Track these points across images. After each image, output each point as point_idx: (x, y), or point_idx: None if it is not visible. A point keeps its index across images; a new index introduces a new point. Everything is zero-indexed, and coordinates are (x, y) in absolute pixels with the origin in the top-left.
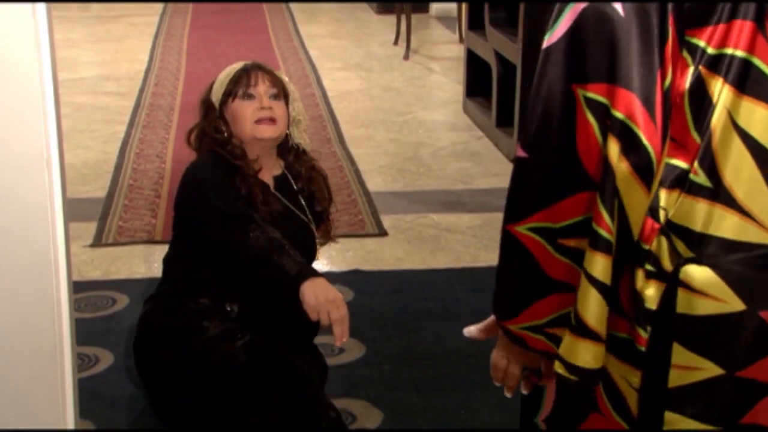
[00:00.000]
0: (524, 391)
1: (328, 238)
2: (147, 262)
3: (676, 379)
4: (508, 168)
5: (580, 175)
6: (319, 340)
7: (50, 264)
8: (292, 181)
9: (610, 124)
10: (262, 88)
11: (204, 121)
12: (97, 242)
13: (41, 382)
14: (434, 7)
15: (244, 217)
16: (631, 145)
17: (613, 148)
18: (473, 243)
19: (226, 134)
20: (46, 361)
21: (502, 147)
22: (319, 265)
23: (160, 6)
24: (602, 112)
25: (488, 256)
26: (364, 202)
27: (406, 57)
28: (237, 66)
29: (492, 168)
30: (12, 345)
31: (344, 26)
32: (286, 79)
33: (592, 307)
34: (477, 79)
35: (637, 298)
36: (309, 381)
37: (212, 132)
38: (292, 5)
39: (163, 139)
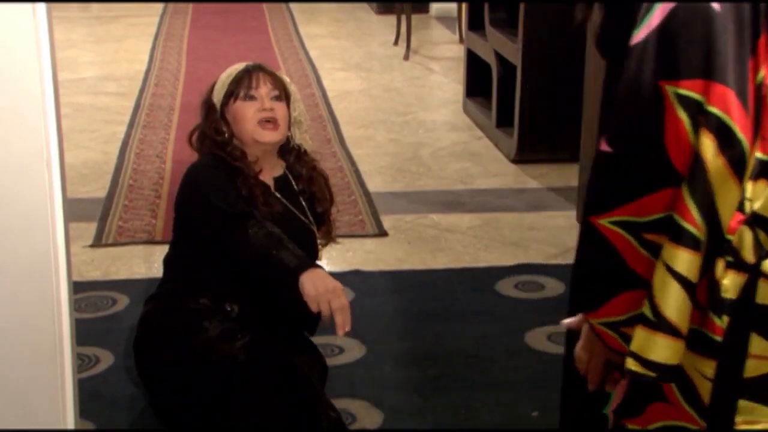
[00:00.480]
0: (608, 389)
1: (330, 239)
2: (147, 262)
3: (752, 369)
4: (508, 168)
5: (667, 171)
6: (318, 340)
7: (50, 264)
8: (293, 182)
9: (705, 120)
10: (264, 89)
11: (205, 122)
12: (97, 242)
13: (41, 383)
14: (434, 8)
15: (244, 215)
16: (727, 141)
17: (708, 144)
18: (473, 243)
19: (226, 135)
20: (46, 362)
21: (502, 147)
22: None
23: (160, 6)
24: (695, 108)
25: (488, 257)
26: (364, 203)
27: (406, 57)
28: (239, 67)
29: (492, 168)
30: (12, 345)
31: (344, 26)
32: (287, 80)
33: (675, 303)
34: (477, 80)
35: (715, 287)
36: (309, 381)
37: (213, 133)
38: (292, 5)
39: (163, 140)
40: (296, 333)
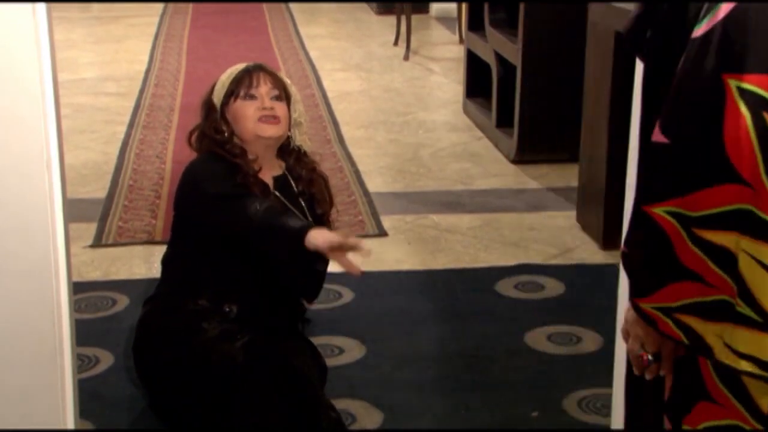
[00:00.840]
0: (647, 376)
1: None
2: (147, 262)
3: None
4: (508, 169)
5: (724, 166)
6: (318, 340)
7: (50, 265)
8: (293, 183)
9: None
10: (264, 89)
11: (204, 122)
12: (97, 243)
13: (41, 383)
14: (434, 8)
15: (240, 195)
16: None
17: None
18: (473, 244)
19: (226, 134)
20: (46, 362)
21: (502, 148)
22: None
23: (160, 6)
24: (758, 104)
25: (488, 257)
26: (364, 203)
27: (406, 58)
28: (239, 67)
29: (492, 169)
30: (12, 346)
31: (344, 27)
32: (287, 81)
33: None
34: (477, 80)
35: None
36: (309, 381)
37: (212, 132)
38: (292, 6)
39: (163, 140)
40: (296, 334)
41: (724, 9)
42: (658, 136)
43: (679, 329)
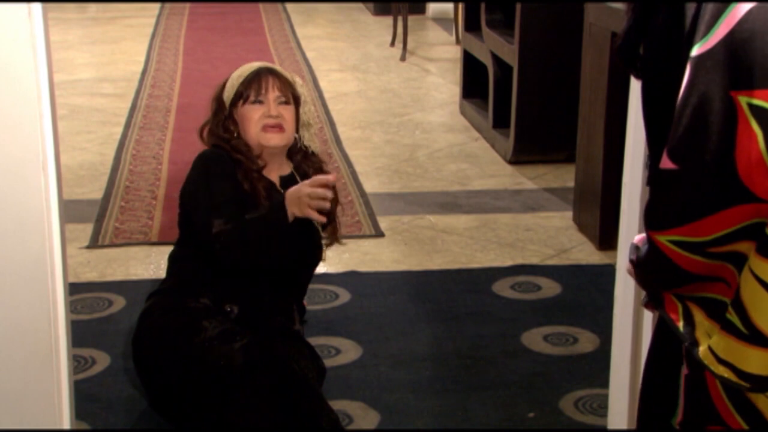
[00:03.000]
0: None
1: (335, 239)
2: (143, 263)
3: None
4: (505, 169)
5: (736, 187)
6: (315, 341)
7: (46, 266)
8: (300, 182)
9: None
10: (272, 94)
11: (213, 119)
12: (94, 244)
13: (37, 384)
14: (431, 9)
15: (214, 210)
16: None
17: None
18: (470, 244)
19: (235, 134)
20: (42, 363)
21: (498, 148)
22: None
23: (156, 7)
24: None
25: (485, 258)
26: (360, 204)
27: (403, 58)
28: (250, 67)
29: (489, 169)
30: (8, 347)
31: (341, 28)
32: (299, 82)
33: None
34: (473, 81)
35: None
36: (308, 382)
37: (220, 131)
38: (289, 7)
39: (160, 141)
40: (295, 336)
41: (725, 26)
42: (666, 163)
43: (683, 316)
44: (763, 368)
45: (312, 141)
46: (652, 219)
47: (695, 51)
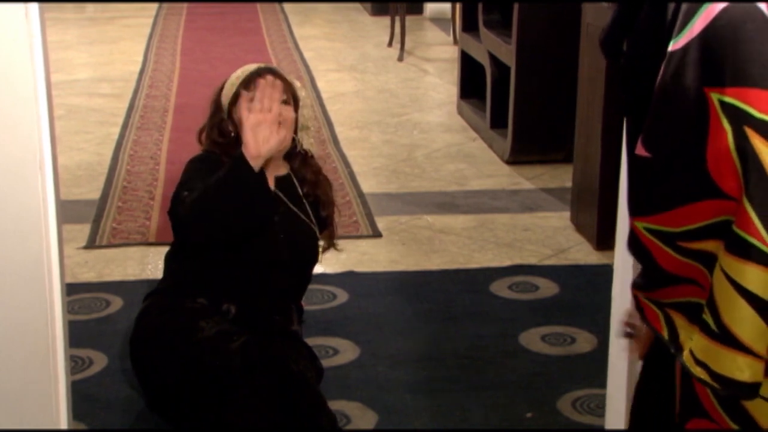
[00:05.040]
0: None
1: (331, 243)
2: (141, 264)
3: None
4: (503, 169)
5: (705, 182)
6: (313, 341)
7: (44, 266)
8: (298, 185)
9: (757, 128)
10: None
11: (209, 121)
12: (91, 244)
13: (35, 385)
14: (428, 9)
15: (189, 190)
16: None
17: (765, 151)
18: (467, 244)
19: (233, 134)
20: (39, 364)
21: (496, 148)
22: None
23: (154, 7)
24: (739, 118)
25: (482, 258)
26: (358, 204)
27: (401, 59)
28: (249, 68)
29: (486, 170)
30: (5, 347)
31: (338, 28)
32: (297, 84)
33: (747, 324)
34: (471, 81)
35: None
36: (306, 381)
37: (215, 135)
38: (287, 7)
39: (157, 141)
40: (293, 336)
41: (701, 23)
42: (640, 150)
43: (666, 324)
44: (745, 375)
45: (310, 144)
46: (629, 203)
47: (671, 46)
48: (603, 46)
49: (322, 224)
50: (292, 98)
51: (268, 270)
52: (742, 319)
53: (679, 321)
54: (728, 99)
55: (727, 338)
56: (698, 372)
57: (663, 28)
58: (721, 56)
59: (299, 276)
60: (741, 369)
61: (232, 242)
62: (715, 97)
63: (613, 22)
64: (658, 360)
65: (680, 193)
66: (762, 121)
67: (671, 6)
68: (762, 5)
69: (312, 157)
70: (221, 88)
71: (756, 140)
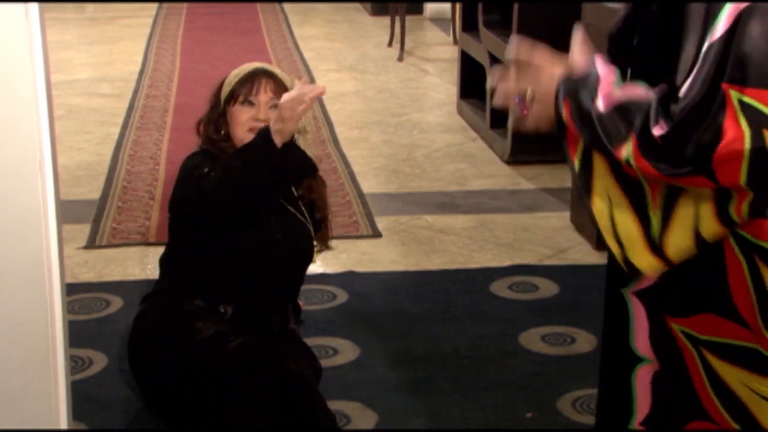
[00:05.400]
0: (517, 113)
1: (325, 245)
2: (141, 264)
3: None
4: (502, 169)
5: (704, 168)
6: (312, 341)
7: (43, 266)
8: (293, 187)
9: None
10: (264, 97)
11: (207, 116)
12: (91, 244)
13: (34, 385)
14: (428, 9)
15: (198, 177)
16: None
17: None
18: (467, 244)
19: (223, 132)
20: (39, 364)
21: (496, 149)
22: (313, 266)
23: (154, 7)
24: (758, 119)
25: (482, 258)
26: (358, 204)
27: (401, 59)
28: (248, 67)
29: (486, 170)
30: (5, 347)
31: (338, 28)
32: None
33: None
34: (471, 81)
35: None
36: (306, 382)
37: (211, 131)
38: (287, 7)
39: (157, 141)
40: (291, 336)
41: (728, 19)
42: (659, 130)
43: (581, 158)
44: (644, 268)
45: (308, 148)
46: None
47: (706, 44)
48: (612, 39)
49: (316, 226)
50: None
51: (266, 270)
52: (676, 243)
53: (600, 167)
54: (748, 99)
55: (657, 249)
56: (612, 245)
57: (672, 26)
58: (745, 55)
59: (296, 276)
60: (646, 264)
61: (252, 217)
62: (734, 94)
63: (626, 17)
64: (613, 371)
65: (677, 170)
66: None
67: (689, 6)
68: None
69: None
70: (221, 85)
71: None
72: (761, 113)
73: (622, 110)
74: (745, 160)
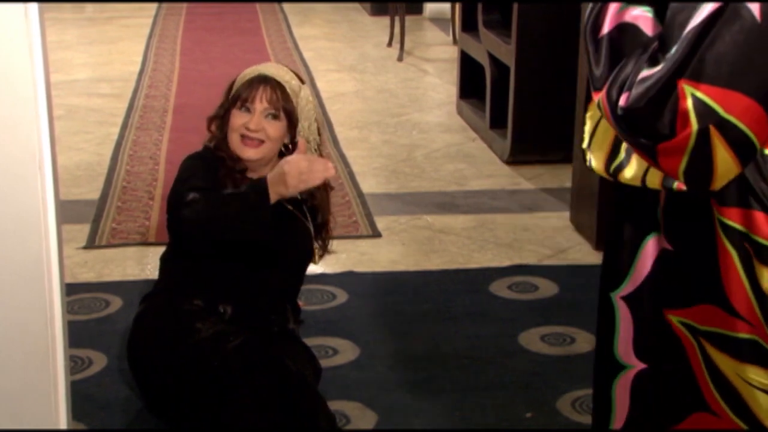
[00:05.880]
0: None
1: (325, 250)
2: (140, 264)
3: None
4: (502, 170)
5: (649, 152)
6: (312, 342)
7: (43, 266)
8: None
9: (722, 129)
10: (260, 106)
11: (216, 111)
12: (91, 244)
13: (34, 385)
14: (428, 9)
15: (189, 185)
16: (744, 152)
17: (723, 152)
18: (467, 245)
19: (224, 133)
20: (39, 364)
21: (495, 149)
22: (313, 266)
23: (153, 7)
24: (708, 116)
25: (482, 258)
26: (358, 204)
27: (400, 59)
28: (253, 71)
29: (486, 170)
30: (5, 347)
31: (338, 28)
32: (306, 95)
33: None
34: (471, 81)
35: (765, 298)
36: (306, 382)
37: (214, 128)
38: (286, 7)
39: (157, 141)
40: (291, 336)
41: (699, 18)
42: (623, 100)
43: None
44: (629, 179)
45: (310, 151)
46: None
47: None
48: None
49: (318, 231)
50: (284, 111)
51: (265, 270)
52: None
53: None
54: (700, 95)
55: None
56: (595, 163)
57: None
58: (707, 54)
59: (296, 276)
60: (635, 178)
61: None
62: (688, 89)
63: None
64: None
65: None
66: (728, 122)
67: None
68: (752, 6)
69: None
70: (232, 84)
71: (717, 139)
72: (712, 110)
73: (614, 49)
74: (686, 155)
